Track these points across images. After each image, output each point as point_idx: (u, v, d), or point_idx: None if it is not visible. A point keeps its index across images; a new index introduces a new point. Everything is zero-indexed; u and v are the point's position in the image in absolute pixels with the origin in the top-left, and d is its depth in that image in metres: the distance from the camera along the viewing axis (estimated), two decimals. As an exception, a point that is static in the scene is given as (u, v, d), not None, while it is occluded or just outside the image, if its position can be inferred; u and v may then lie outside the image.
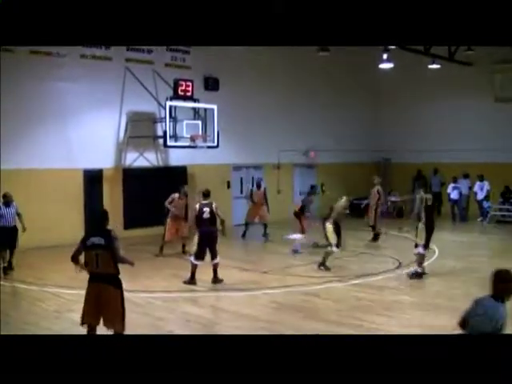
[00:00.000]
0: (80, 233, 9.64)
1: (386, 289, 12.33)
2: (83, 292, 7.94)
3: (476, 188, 24.58)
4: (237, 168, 22.97)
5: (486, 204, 24.36)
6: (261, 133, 23.08)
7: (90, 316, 7.80)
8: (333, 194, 25.22)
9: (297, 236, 16.94)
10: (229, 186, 22.29)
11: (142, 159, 20.10)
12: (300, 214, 17.57)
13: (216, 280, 12.79)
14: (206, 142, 19.30)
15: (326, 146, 25.31)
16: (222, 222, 12.96)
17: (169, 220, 16.24)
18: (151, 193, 19.04)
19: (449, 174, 25.42)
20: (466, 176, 25.16)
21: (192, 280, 12.64)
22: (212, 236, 12.75)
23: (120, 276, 7.83)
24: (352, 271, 14.05)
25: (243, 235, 19.31)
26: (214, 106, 19.49)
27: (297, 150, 24.51)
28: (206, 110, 19.60)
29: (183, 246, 16.30)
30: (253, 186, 20.75)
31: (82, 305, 7.93)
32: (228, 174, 22.51)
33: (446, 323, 9.70)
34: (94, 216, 8.57)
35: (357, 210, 25.58)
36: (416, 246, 13.50)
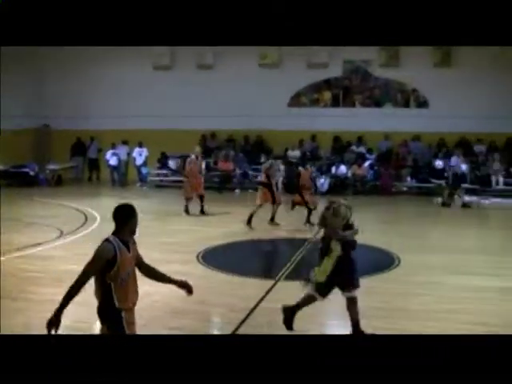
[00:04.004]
0: None
1: (53, 259, 12.06)
2: None
3: (135, 154, 25.34)
4: None
5: (144, 169, 25.27)
6: None
7: None
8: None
9: None
10: None
11: None
12: None
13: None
14: None
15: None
16: None
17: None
18: None
19: (108, 140, 25.70)
20: (124, 142, 25.75)
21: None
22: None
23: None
24: (14, 244, 13.40)
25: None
26: None
27: None
28: None
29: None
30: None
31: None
32: None
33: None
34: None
35: (15, 179, 24.61)
36: None
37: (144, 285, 9.95)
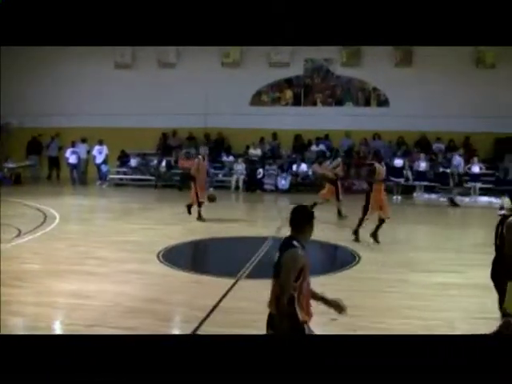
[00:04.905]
0: None
1: (13, 259, 11.79)
2: None
3: (95, 152, 25.04)
4: None
5: (104, 168, 25.00)
6: None
7: None
8: None
9: None
10: None
11: None
12: None
13: None
14: None
15: None
16: None
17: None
18: None
19: (68, 138, 25.39)
20: (84, 140, 25.46)
21: None
22: None
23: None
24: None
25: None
26: None
27: None
28: None
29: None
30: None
31: None
32: None
33: (71, 287, 9.78)
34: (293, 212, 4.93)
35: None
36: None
37: (100, 283, 9.88)
